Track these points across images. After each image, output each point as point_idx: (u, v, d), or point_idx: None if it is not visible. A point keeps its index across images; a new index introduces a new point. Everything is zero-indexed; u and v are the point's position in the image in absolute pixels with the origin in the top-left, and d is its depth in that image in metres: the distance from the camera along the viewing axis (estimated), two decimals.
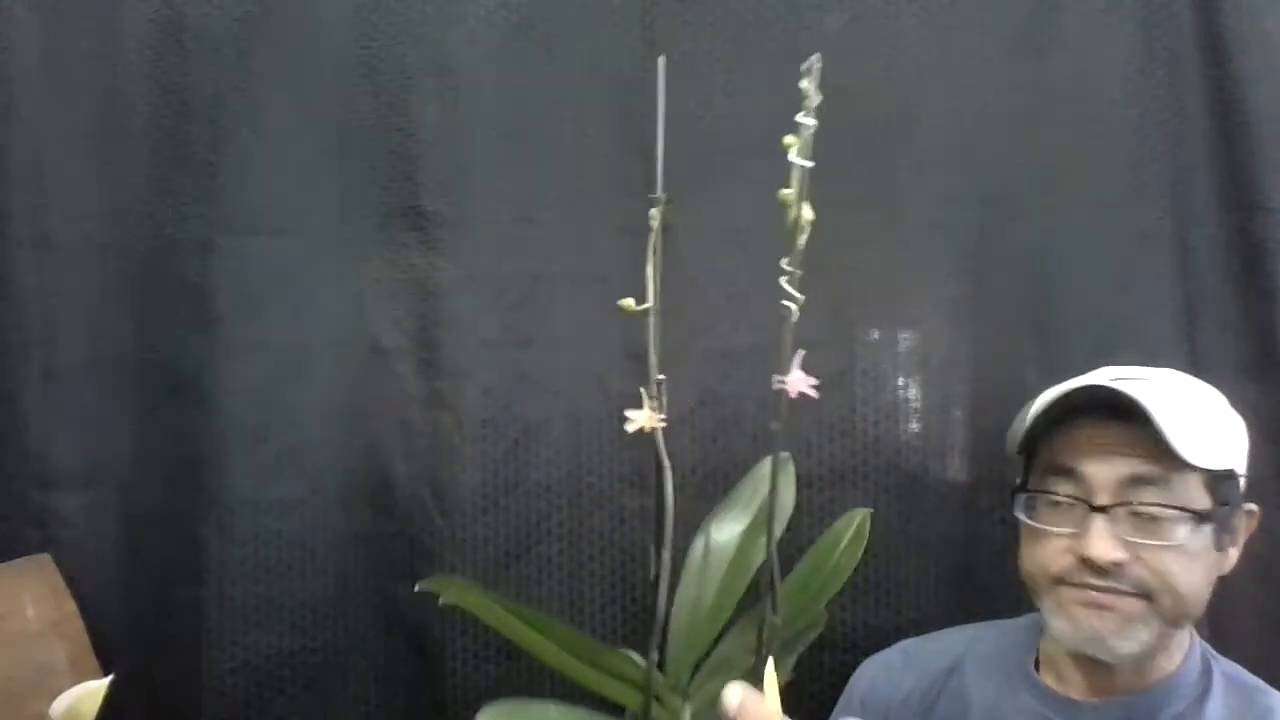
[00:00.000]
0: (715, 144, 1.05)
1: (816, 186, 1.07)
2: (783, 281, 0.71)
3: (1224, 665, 0.83)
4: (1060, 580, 0.78)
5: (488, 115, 1.06)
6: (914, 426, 1.05)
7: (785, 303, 0.72)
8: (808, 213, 0.72)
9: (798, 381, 0.73)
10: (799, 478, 1.02)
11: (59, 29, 1.09)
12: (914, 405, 1.05)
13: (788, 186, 0.70)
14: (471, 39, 1.06)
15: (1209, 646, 0.84)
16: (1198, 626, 0.86)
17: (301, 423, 1.06)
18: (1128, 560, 0.75)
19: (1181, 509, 0.75)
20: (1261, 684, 0.81)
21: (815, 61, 0.68)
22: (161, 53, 1.08)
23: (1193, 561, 0.76)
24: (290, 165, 1.06)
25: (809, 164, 0.69)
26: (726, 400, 1.03)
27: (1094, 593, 0.76)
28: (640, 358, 1.05)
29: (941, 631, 0.94)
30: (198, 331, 1.05)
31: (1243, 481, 0.80)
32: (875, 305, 1.04)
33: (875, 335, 1.04)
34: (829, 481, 1.02)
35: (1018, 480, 0.83)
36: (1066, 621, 0.77)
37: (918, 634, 0.93)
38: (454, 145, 1.05)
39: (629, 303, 0.76)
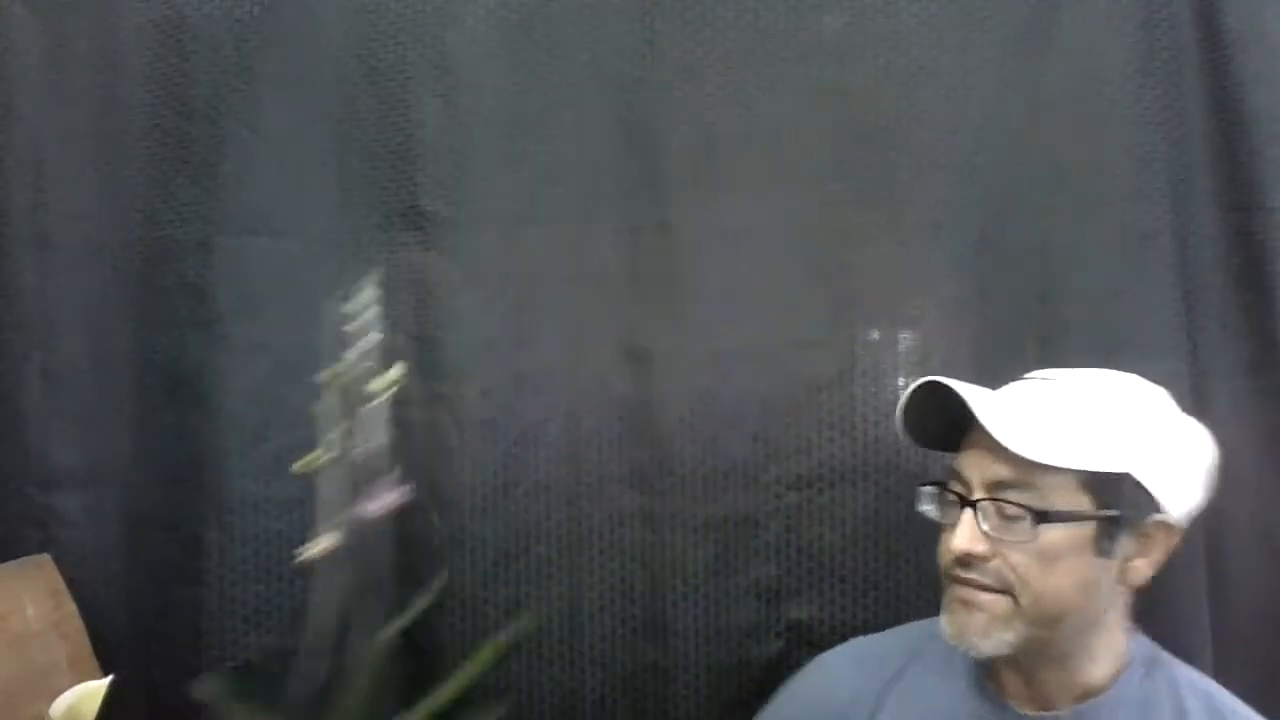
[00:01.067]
0: (715, 144, 1.05)
1: (817, 186, 1.08)
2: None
3: (1175, 672, 0.83)
4: (946, 576, 0.82)
5: (488, 115, 1.06)
6: None
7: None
8: (394, 373, 0.75)
9: (380, 502, 0.74)
10: (799, 477, 1.02)
11: (59, 29, 1.09)
12: None
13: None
14: (471, 39, 1.06)
15: (1163, 652, 0.84)
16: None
17: (301, 423, 1.06)
18: (986, 553, 0.78)
19: (1026, 508, 0.76)
20: (1228, 697, 0.81)
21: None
22: (161, 53, 1.08)
23: (1054, 562, 0.77)
24: (290, 165, 1.06)
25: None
26: (726, 400, 1.03)
27: (964, 589, 0.79)
28: (640, 357, 1.05)
29: (892, 630, 0.94)
30: (197, 331, 1.05)
31: (1161, 490, 0.78)
32: (875, 305, 1.04)
33: (875, 335, 1.04)
34: (829, 482, 1.02)
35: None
36: (946, 617, 0.81)
37: None
38: (454, 145, 1.05)
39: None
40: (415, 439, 1.04)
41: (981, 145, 1.04)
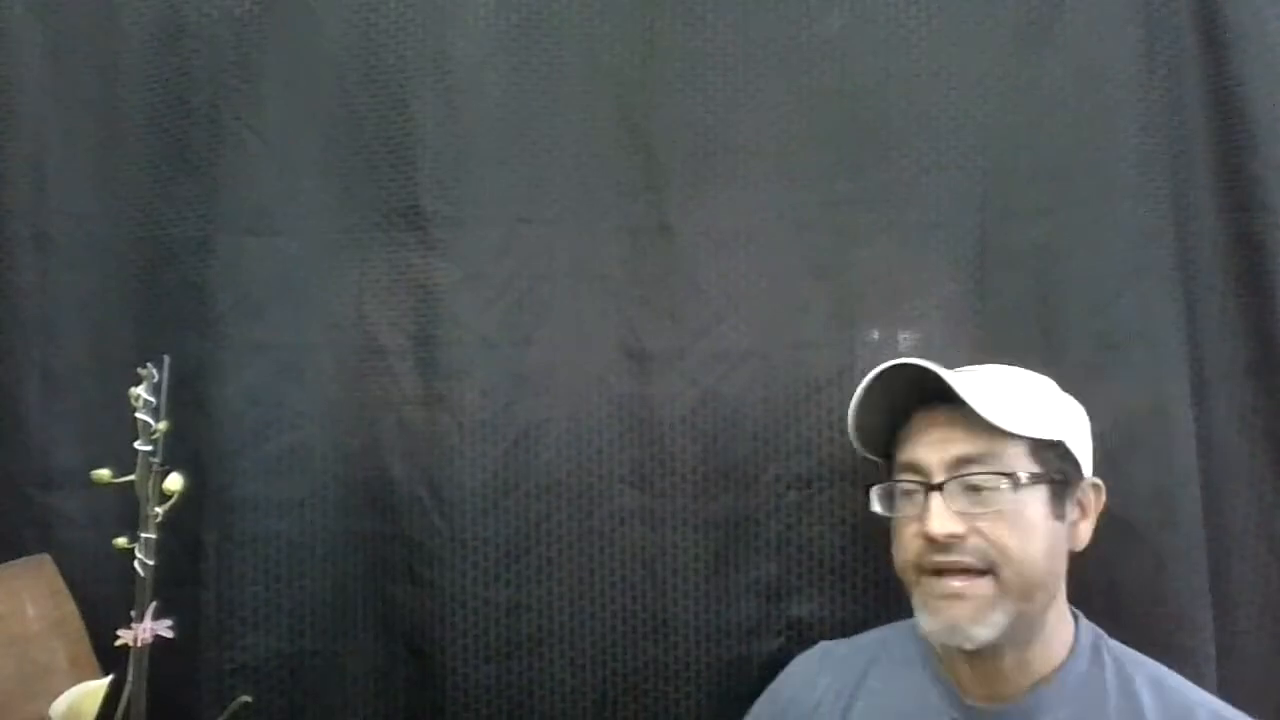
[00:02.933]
0: (715, 144, 1.05)
1: (817, 186, 1.08)
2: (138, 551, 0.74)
3: (1117, 651, 0.85)
4: (917, 568, 0.82)
5: (488, 115, 1.06)
6: None
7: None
8: (172, 483, 0.75)
9: (148, 629, 0.75)
10: (798, 477, 1.02)
11: (59, 29, 1.09)
12: None
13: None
14: (471, 39, 1.06)
15: (1104, 635, 0.86)
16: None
17: (301, 423, 1.06)
18: (965, 532, 0.79)
19: (1001, 473, 0.80)
20: (1176, 679, 0.82)
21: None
22: (161, 53, 1.08)
23: (1029, 530, 0.80)
24: (290, 165, 1.06)
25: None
26: (726, 400, 1.03)
27: (944, 581, 0.80)
28: (640, 357, 1.05)
29: (862, 632, 0.96)
30: (197, 331, 1.05)
31: (1081, 457, 0.84)
32: (875, 305, 1.04)
33: (875, 335, 1.04)
34: (829, 480, 1.02)
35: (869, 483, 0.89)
36: (929, 615, 0.81)
37: None
38: (454, 145, 1.05)
39: (104, 473, 0.78)
40: (415, 439, 1.04)
41: (982, 145, 1.04)
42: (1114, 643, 0.85)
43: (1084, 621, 0.86)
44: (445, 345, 1.04)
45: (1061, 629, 0.84)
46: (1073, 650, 0.83)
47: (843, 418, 1.03)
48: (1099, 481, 0.87)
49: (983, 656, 0.82)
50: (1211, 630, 0.97)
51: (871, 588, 1.01)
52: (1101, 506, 0.87)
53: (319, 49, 1.07)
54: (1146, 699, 0.80)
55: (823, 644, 0.96)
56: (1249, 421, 1.03)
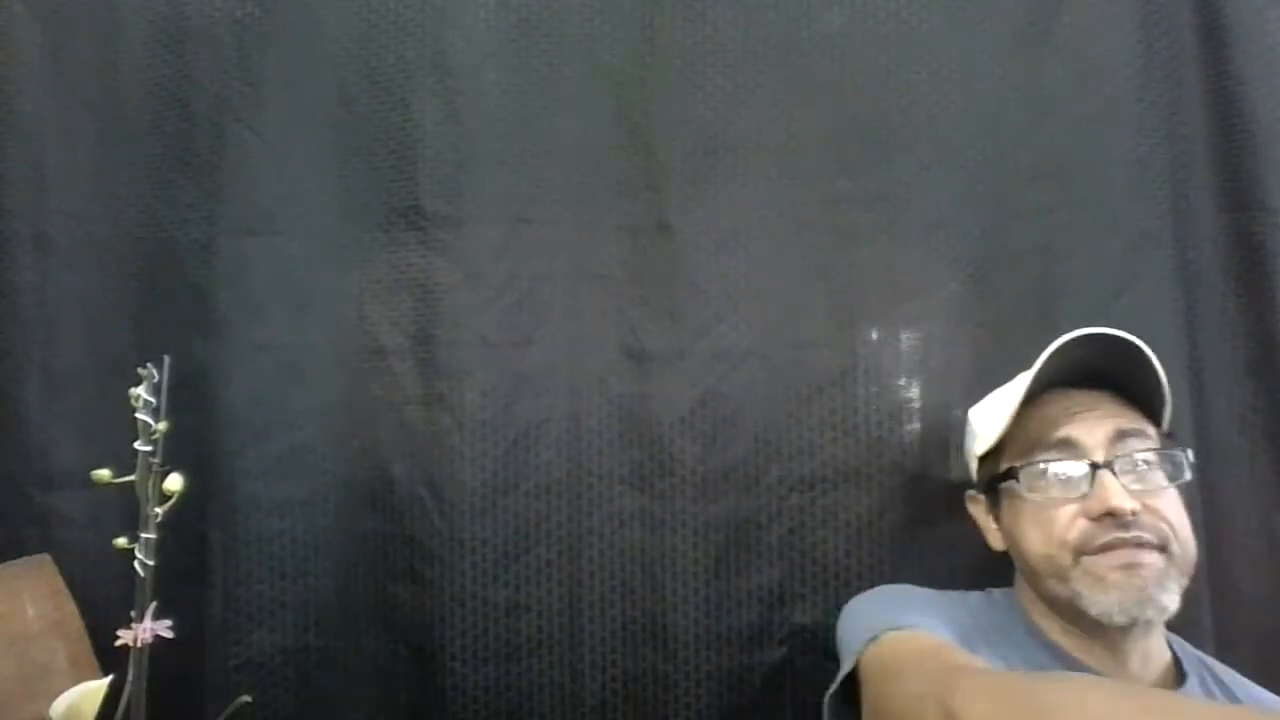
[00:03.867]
0: (715, 142, 1.05)
1: (817, 186, 1.08)
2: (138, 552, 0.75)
3: (1198, 653, 0.86)
4: (1082, 550, 0.78)
5: (488, 115, 1.06)
6: (915, 426, 1.04)
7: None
8: (172, 483, 0.75)
9: (148, 629, 0.74)
10: (801, 479, 1.02)
11: (59, 29, 1.09)
12: (915, 405, 1.05)
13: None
14: (471, 39, 1.06)
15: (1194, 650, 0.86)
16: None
17: (302, 423, 1.06)
18: (1141, 509, 0.77)
19: (1176, 449, 0.80)
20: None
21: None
22: (161, 53, 1.08)
23: (1182, 510, 0.80)
24: (291, 165, 1.06)
25: None
26: (727, 400, 1.03)
27: (1123, 552, 0.77)
28: (640, 357, 1.05)
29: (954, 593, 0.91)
30: (198, 331, 1.05)
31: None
32: (876, 305, 1.04)
33: (875, 335, 1.04)
34: (832, 483, 1.02)
35: (1001, 469, 0.85)
36: (1113, 592, 0.77)
37: None
38: (454, 145, 1.05)
39: (104, 474, 0.78)
40: (416, 439, 1.04)
41: (982, 145, 1.04)
42: (1213, 662, 0.86)
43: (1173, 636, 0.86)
44: (445, 345, 1.04)
45: (1163, 636, 0.84)
46: (1174, 656, 0.83)
47: (845, 418, 1.03)
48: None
49: (1118, 645, 0.80)
50: (1211, 630, 0.97)
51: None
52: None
53: (319, 50, 1.07)
54: (1217, 683, 0.81)
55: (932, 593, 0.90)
56: (1249, 421, 1.03)
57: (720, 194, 1.05)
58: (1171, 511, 0.79)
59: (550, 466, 1.03)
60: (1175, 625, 0.95)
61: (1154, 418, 0.83)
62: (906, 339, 1.04)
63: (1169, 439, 0.84)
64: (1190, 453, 0.81)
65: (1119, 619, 0.77)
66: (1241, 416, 1.03)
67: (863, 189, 1.04)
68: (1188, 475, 0.80)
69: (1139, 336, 1.00)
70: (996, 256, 1.04)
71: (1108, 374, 0.83)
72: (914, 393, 1.04)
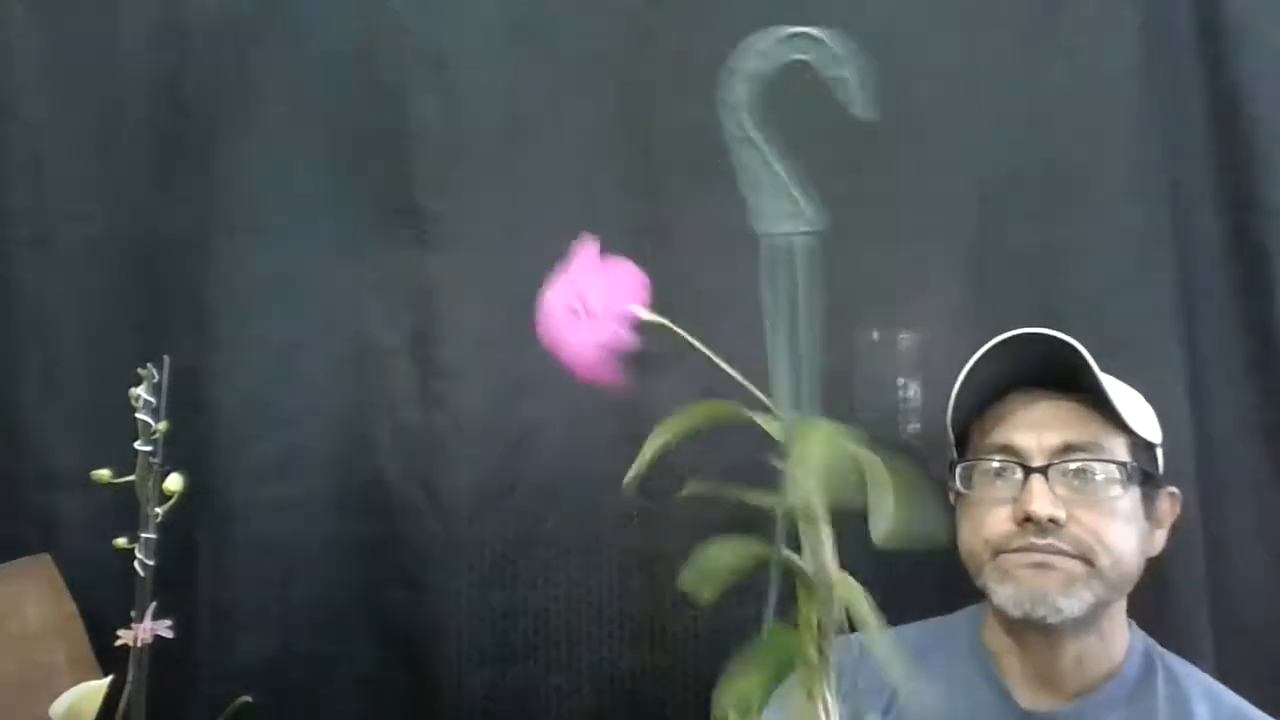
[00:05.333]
0: (715, 143, 1.05)
1: (817, 186, 1.07)
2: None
3: (1169, 661, 0.84)
4: (999, 549, 0.80)
5: (487, 114, 1.06)
6: (915, 427, 1.04)
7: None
8: (173, 483, 0.75)
9: (148, 629, 0.75)
10: None
11: (59, 29, 1.09)
12: (914, 406, 1.05)
13: None
14: (471, 38, 1.06)
15: (1152, 641, 0.85)
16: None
17: (298, 423, 1.06)
18: (1066, 519, 0.77)
19: (1113, 462, 0.79)
20: (1232, 696, 0.82)
21: None
22: (161, 53, 1.08)
23: (1126, 524, 0.79)
24: (288, 165, 1.06)
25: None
26: (726, 400, 1.03)
27: (1037, 554, 0.77)
28: (640, 357, 1.05)
29: (914, 624, 0.93)
30: (195, 331, 1.05)
31: (1160, 462, 0.85)
32: (875, 305, 1.04)
33: (875, 335, 1.04)
34: None
35: (952, 458, 0.86)
36: (1012, 585, 0.79)
37: None
38: (453, 144, 1.05)
39: (104, 474, 0.78)
40: (412, 439, 1.04)
41: (982, 145, 1.04)
42: (1167, 653, 0.85)
43: (1137, 629, 0.85)
44: (443, 345, 1.04)
45: (1120, 633, 0.83)
46: (1126, 657, 0.82)
47: (844, 418, 1.03)
48: (1176, 491, 0.87)
49: (1047, 646, 0.80)
50: (1210, 630, 0.97)
51: (874, 592, 1.01)
52: (1175, 517, 0.87)
53: (317, 49, 1.07)
54: (1201, 713, 0.79)
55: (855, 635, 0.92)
56: (1249, 421, 1.03)
57: (719, 194, 1.04)
58: (1105, 526, 0.78)
59: (548, 468, 1.03)
60: (1176, 626, 0.95)
61: (1123, 425, 0.81)
62: (906, 339, 1.04)
63: (1147, 449, 0.83)
64: (1131, 468, 0.80)
65: (1014, 612, 0.79)
66: (1241, 416, 1.03)
67: (863, 189, 1.03)
68: (1120, 500, 0.79)
69: (1139, 336, 1.00)
70: (996, 256, 1.04)
71: (1068, 382, 0.82)
72: (914, 393, 1.04)
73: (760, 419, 0.46)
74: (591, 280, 0.47)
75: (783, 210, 0.48)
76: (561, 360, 0.47)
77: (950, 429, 0.88)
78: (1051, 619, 0.77)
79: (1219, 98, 1.03)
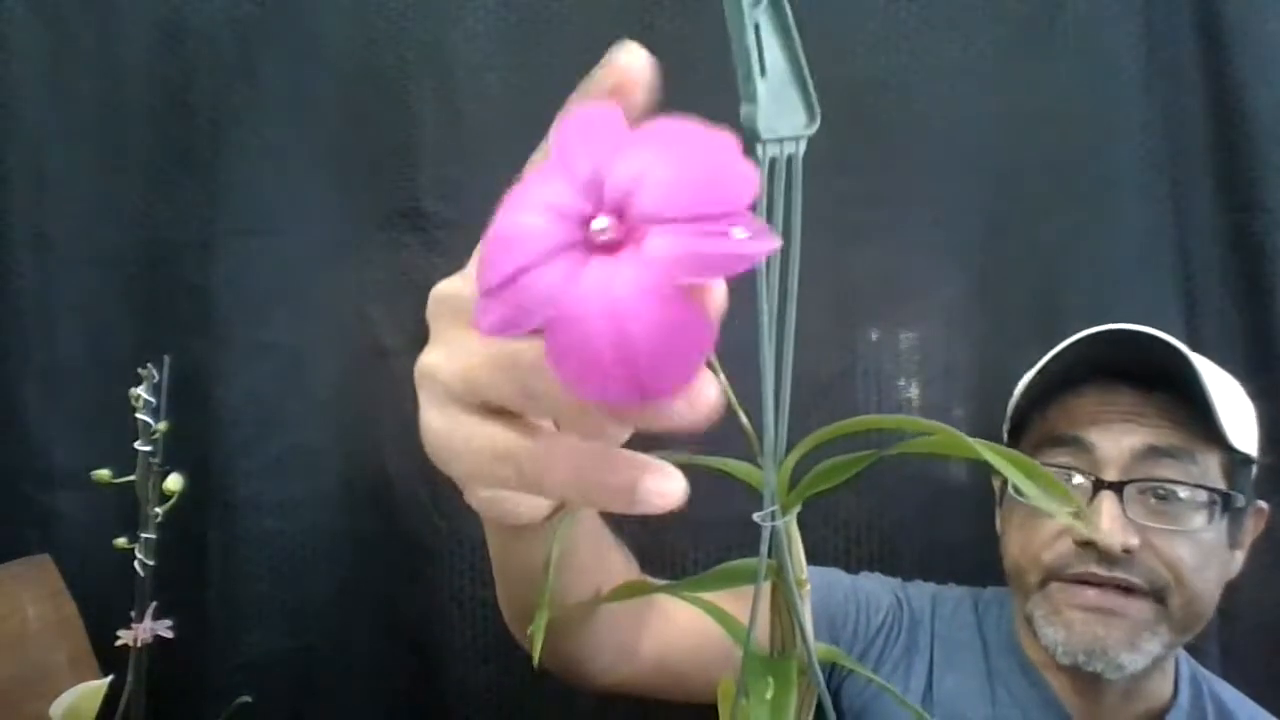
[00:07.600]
0: None
1: (818, 185, 1.07)
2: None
3: (1215, 687, 0.77)
4: (1054, 574, 0.68)
5: (488, 115, 1.05)
6: None
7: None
8: (173, 483, 0.75)
9: (148, 629, 0.75)
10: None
11: (59, 29, 1.09)
12: (915, 405, 1.05)
13: None
14: (471, 39, 1.06)
15: (1197, 666, 0.81)
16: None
17: (302, 424, 1.06)
18: (1139, 546, 0.65)
19: (1206, 488, 0.65)
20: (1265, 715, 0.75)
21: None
22: (161, 53, 1.08)
23: (1208, 556, 0.67)
24: (290, 165, 1.06)
25: None
26: (726, 400, 1.03)
27: (1095, 592, 0.65)
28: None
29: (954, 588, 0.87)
30: (198, 332, 1.05)
31: (1253, 474, 0.73)
32: (875, 305, 1.04)
33: (876, 335, 1.04)
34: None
35: None
36: (1064, 631, 0.67)
37: None
38: (455, 145, 1.05)
39: (104, 474, 0.79)
40: (416, 438, 1.04)
41: (983, 145, 1.04)
42: (1207, 673, 0.77)
43: (1183, 653, 0.76)
44: None
45: (1171, 663, 0.73)
46: (1175, 687, 0.73)
47: (844, 418, 1.03)
48: (1264, 505, 0.74)
49: (1093, 689, 0.70)
50: (1216, 632, 0.97)
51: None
52: (1259, 532, 0.75)
53: (319, 49, 1.07)
54: None
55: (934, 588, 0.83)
56: None
57: None
58: (1185, 557, 0.65)
59: None
60: None
61: (1220, 439, 0.68)
62: (906, 339, 1.04)
63: (1243, 465, 0.69)
64: (1224, 497, 0.66)
65: (1062, 659, 0.68)
66: None
67: (863, 188, 1.04)
68: (1206, 529, 0.66)
69: None
70: (997, 256, 1.04)
71: (1160, 378, 0.69)
72: (914, 393, 1.04)
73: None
74: None
75: (793, 102, 0.34)
76: None
77: (1008, 418, 0.78)
78: (1109, 675, 0.67)
79: (1219, 98, 1.03)
